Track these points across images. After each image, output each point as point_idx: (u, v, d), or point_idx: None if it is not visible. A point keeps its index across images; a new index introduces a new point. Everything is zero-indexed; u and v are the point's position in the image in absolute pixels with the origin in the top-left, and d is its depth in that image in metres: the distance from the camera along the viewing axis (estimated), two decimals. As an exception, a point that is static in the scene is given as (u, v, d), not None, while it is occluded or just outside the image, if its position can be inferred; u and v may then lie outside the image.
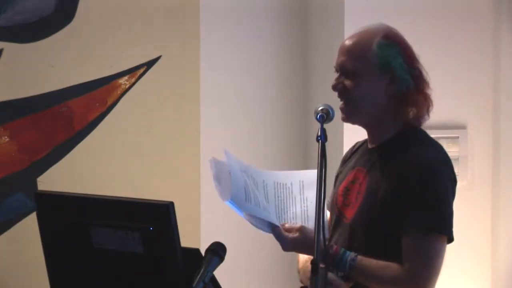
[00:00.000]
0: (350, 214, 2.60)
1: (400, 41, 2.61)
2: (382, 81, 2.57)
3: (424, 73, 2.61)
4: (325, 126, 2.45)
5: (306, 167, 4.33)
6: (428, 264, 2.44)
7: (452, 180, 2.55)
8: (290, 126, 4.34)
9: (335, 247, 2.48)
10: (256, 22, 4.28)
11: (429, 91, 2.61)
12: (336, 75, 2.63)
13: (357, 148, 2.76)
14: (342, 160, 2.81)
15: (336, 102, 2.61)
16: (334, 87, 2.61)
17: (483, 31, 4.08)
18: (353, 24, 3.72)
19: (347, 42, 2.62)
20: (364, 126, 2.66)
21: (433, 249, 2.46)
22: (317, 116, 2.49)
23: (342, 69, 2.61)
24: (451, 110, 4.00)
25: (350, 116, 2.62)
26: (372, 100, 2.57)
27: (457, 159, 3.99)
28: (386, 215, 2.50)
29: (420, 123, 2.62)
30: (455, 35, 4.06)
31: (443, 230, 2.48)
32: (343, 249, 2.48)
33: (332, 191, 2.74)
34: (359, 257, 2.46)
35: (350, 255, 2.46)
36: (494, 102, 4.09)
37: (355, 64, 2.57)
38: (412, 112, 2.59)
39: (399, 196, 2.48)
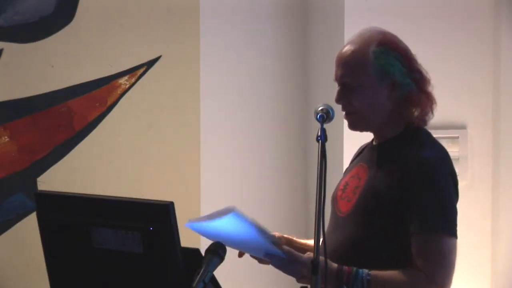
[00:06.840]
0: (345, 208, 2.60)
1: (395, 45, 2.60)
2: (384, 88, 2.56)
3: (424, 72, 2.61)
4: (325, 126, 2.44)
5: (306, 167, 4.33)
6: (443, 262, 2.45)
7: (453, 179, 2.56)
8: (290, 126, 4.34)
9: (345, 267, 2.45)
10: (256, 22, 4.28)
11: (431, 89, 2.61)
12: (336, 84, 2.63)
13: (367, 145, 2.78)
14: (354, 156, 2.83)
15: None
16: (337, 102, 2.61)
17: (483, 31, 4.08)
18: (353, 24, 3.75)
19: (343, 54, 2.60)
20: (370, 131, 2.67)
21: (445, 247, 2.46)
22: (317, 116, 2.49)
23: (342, 83, 2.61)
24: (451, 110, 4.00)
25: (356, 126, 2.63)
26: (377, 109, 2.58)
27: (457, 159, 3.99)
28: (382, 211, 2.50)
29: (425, 122, 2.62)
30: (455, 35, 4.06)
31: (449, 229, 2.48)
32: (355, 268, 2.45)
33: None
34: (372, 271, 2.45)
35: (364, 271, 2.44)
36: (494, 102, 4.09)
37: (354, 78, 2.57)
38: (416, 112, 2.59)
39: (399, 195, 2.48)
